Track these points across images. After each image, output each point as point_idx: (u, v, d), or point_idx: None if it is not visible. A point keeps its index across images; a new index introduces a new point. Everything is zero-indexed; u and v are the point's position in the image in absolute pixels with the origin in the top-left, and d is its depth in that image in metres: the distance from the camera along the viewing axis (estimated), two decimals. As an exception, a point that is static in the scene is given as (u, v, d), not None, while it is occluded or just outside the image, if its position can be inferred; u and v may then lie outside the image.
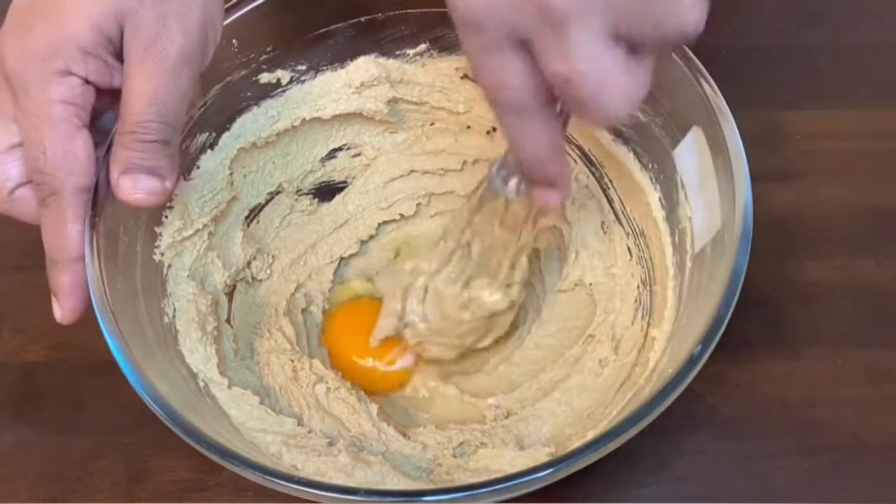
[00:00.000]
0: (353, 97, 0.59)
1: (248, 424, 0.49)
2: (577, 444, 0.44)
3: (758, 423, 0.55)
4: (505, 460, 0.50)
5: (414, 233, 0.64)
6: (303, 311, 0.60)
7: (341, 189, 0.64)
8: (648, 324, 0.53)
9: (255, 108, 0.58)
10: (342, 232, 0.63)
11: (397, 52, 0.59)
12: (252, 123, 0.58)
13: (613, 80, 0.36)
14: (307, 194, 0.63)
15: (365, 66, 0.59)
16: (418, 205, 0.64)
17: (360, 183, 0.63)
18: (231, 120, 0.57)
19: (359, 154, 0.63)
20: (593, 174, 0.58)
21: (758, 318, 0.58)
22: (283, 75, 0.58)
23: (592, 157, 0.58)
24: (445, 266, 0.54)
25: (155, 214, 0.52)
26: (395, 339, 0.56)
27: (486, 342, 0.56)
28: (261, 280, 0.60)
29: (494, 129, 0.61)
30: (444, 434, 0.53)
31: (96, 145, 0.46)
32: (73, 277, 0.46)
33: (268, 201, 0.61)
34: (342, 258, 0.63)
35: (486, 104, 0.41)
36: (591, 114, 0.38)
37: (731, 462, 0.54)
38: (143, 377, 0.43)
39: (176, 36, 0.44)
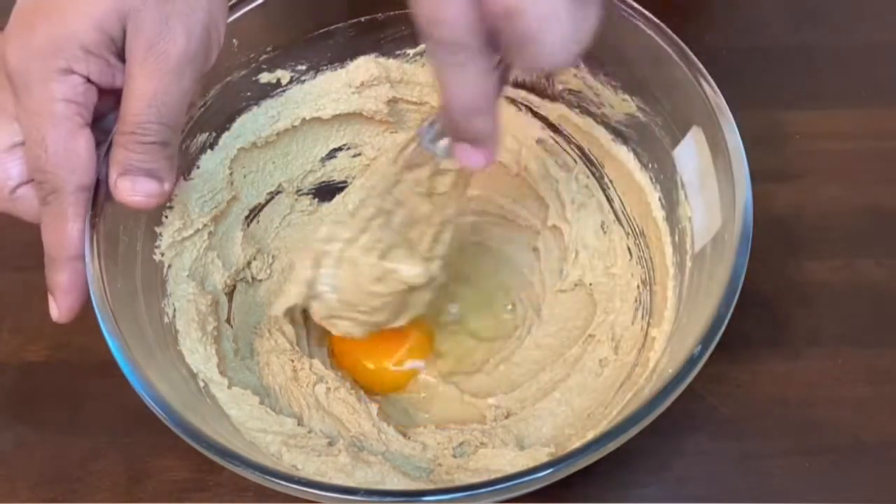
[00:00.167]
0: (353, 97, 0.59)
1: (248, 424, 0.49)
2: (577, 444, 0.44)
3: (758, 423, 0.55)
4: (505, 460, 0.50)
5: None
6: (303, 311, 0.60)
7: (341, 189, 0.64)
8: (648, 324, 0.53)
9: (255, 108, 0.58)
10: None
11: (397, 52, 0.59)
12: (252, 123, 0.58)
13: (557, 18, 0.35)
14: (307, 194, 0.63)
15: (365, 66, 0.59)
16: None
17: (359, 183, 0.63)
18: (231, 120, 0.57)
19: (359, 154, 0.63)
20: (593, 174, 0.58)
21: (758, 318, 0.58)
22: (283, 75, 0.58)
23: (592, 157, 0.58)
24: (363, 234, 0.50)
25: (155, 214, 0.52)
26: (401, 338, 0.56)
27: (400, 321, 0.53)
28: (261, 280, 0.60)
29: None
30: (444, 434, 0.53)
31: (98, 144, 0.46)
32: (72, 276, 0.46)
33: (268, 201, 0.61)
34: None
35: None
36: (532, 55, 0.36)
37: (731, 462, 0.54)
38: (144, 377, 0.43)
39: (179, 36, 0.44)
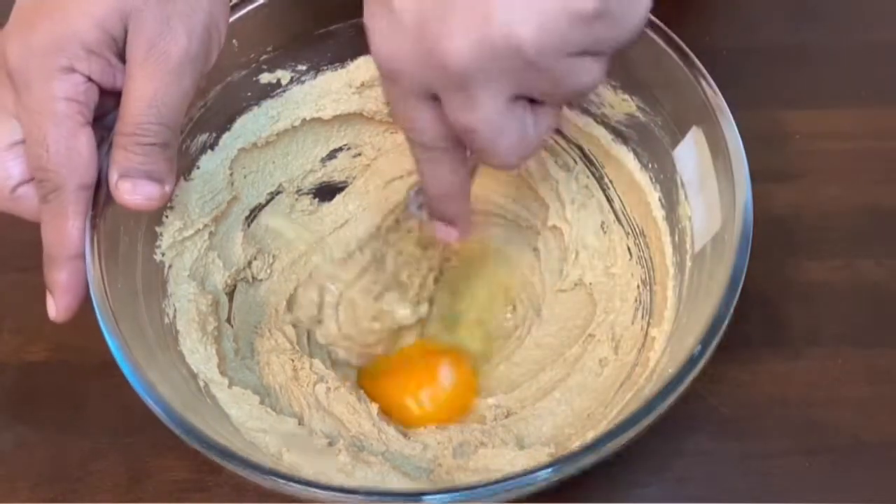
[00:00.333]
0: (353, 97, 0.59)
1: (248, 424, 0.49)
2: (577, 443, 0.44)
3: (758, 423, 0.55)
4: (505, 460, 0.50)
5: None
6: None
7: (341, 189, 0.64)
8: (648, 323, 0.53)
9: (255, 108, 0.58)
10: (342, 232, 0.63)
11: (397, 53, 0.59)
12: (252, 123, 0.58)
13: (507, 134, 0.40)
14: (307, 194, 0.63)
15: (365, 66, 0.58)
16: (418, 205, 0.64)
17: (360, 183, 0.64)
18: (231, 120, 0.57)
19: (359, 154, 0.63)
20: (593, 174, 0.58)
21: (758, 318, 0.58)
22: (284, 75, 0.58)
23: (592, 157, 0.58)
24: (360, 278, 0.57)
25: (155, 215, 0.52)
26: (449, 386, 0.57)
27: (392, 352, 0.58)
28: (261, 280, 0.60)
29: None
30: (444, 434, 0.53)
31: (99, 142, 0.45)
32: (71, 275, 0.45)
33: (268, 201, 0.61)
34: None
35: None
36: (489, 160, 0.41)
37: (731, 462, 0.54)
38: (144, 378, 0.43)
39: (180, 37, 0.44)
